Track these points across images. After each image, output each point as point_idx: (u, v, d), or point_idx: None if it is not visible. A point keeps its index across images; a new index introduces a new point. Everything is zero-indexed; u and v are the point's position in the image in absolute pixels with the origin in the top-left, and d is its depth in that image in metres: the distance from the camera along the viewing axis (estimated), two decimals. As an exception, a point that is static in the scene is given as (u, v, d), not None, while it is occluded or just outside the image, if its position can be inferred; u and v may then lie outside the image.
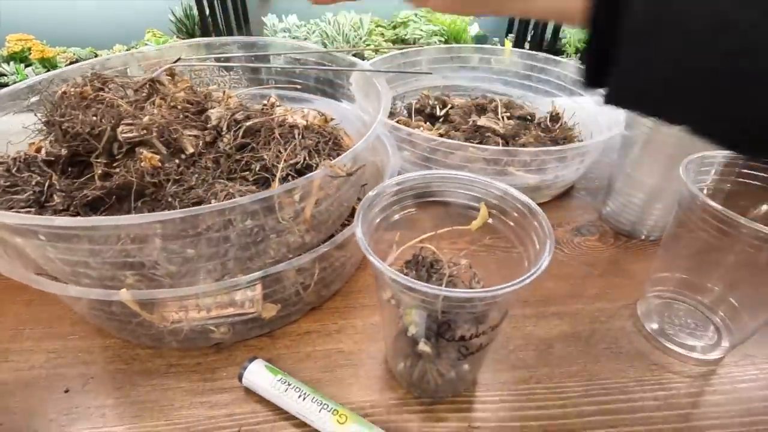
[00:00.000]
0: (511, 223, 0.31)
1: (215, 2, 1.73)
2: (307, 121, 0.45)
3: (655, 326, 0.41)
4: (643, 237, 0.53)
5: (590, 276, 0.47)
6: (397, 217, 0.33)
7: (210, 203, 0.35)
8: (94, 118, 0.38)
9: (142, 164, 0.38)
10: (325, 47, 1.85)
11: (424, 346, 0.29)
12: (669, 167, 0.47)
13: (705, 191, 0.39)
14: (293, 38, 1.90)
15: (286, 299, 0.38)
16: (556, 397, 0.35)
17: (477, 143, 0.62)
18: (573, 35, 2.03)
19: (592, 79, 0.21)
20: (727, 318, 0.40)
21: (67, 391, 0.35)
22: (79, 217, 0.32)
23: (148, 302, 0.33)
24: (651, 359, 0.39)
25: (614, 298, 0.44)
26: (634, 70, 0.18)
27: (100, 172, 0.38)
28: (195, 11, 1.80)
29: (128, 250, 0.30)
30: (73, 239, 0.29)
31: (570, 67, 0.72)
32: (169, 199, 0.37)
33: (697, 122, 0.19)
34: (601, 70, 0.20)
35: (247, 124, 0.41)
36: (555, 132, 0.65)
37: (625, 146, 0.51)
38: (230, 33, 1.84)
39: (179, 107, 0.44)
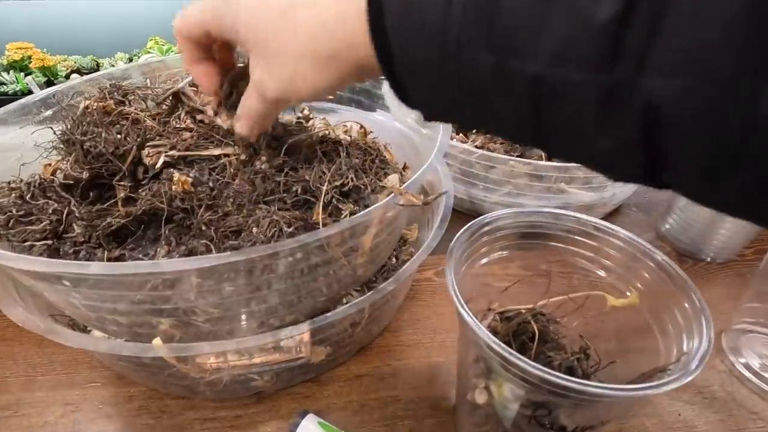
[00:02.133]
0: (641, 286, 0.26)
1: (220, 8, 1.69)
2: (350, 136, 0.40)
3: (746, 363, 0.37)
4: (708, 259, 0.49)
5: (662, 307, 0.42)
6: (485, 260, 0.28)
7: (251, 232, 0.30)
8: (119, 136, 0.33)
9: (173, 188, 0.33)
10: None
11: (505, 416, 0.24)
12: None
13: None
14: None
15: (337, 341, 0.34)
16: (655, 456, 0.30)
17: (518, 155, 0.58)
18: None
19: (404, 102, 0.22)
20: (832, 357, 0.35)
21: (87, 454, 0.30)
22: (116, 263, 0.27)
23: (186, 355, 0.28)
24: (749, 407, 0.34)
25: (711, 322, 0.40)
26: (417, 99, 0.21)
27: (123, 196, 0.34)
28: (200, 18, 1.76)
29: (162, 294, 0.25)
30: (102, 284, 0.25)
31: None
32: (203, 228, 0.32)
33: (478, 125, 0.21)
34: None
35: (289, 141, 0.36)
36: (600, 143, 0.61)
37: (691, 161, 0.47)
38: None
39: (207, 121, 0.40)
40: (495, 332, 0.26)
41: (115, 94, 0.39)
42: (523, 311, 0.26)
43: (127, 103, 0.40)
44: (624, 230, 0.27)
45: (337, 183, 0.35)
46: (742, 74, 0.13)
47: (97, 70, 1.95)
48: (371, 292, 0.30)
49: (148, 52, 2.02)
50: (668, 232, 0.51)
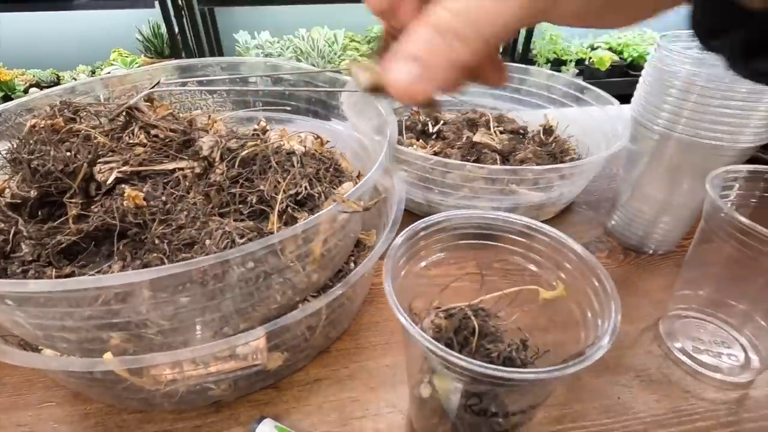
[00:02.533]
0: (562, 275, 0.28)
1: (185, 20, 1.68)
2: (305, 146, 0.42)
3: (680, 346, 0.39)
4: (651, 252, 0.52)
5: (607, 297, 0.45)
6: (423, 263, 0.29)
7: (204, 244, 0.31)
8: (68, 153, 0.33)
9: (125, 203, 0.34)
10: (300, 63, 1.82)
11: (450, 409, 0.26)
12: (676, 181, 0.46)
13: (729, 206, 0.38)
14: (266, 55, 1.87)
15: (294, 346, 0.35)
16: (595, 438, 0.33)
17: (474, 160, 0.61)
18: (543, 46, 2.07)
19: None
20: (754, 337, 0.38)
21: (41, 474, 0.30)
22: (57, 280, 0.28)
23: (140, 367, 0.28)
24: (682, 386, 0.37)
25: (634, 319, 0.42)
26: None
27: (75, 213, 0.34)
28: (163, 29, 1.74)
29: (112, 309, 0.25)
30: (46, 302, 0.25)
31: (544, 76, 0.72)
32: (156, 242, 0.33)
33: None
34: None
35: (243, 153, 0.37)
36: (551, 146, 0.64)
37: (630, 160, 0.50)
38: (201, 51, 1.78)
39: (162, 136, 0.40)
40: (438, 328, 0.28)
41: (66, 111, 0.40)
42: (464, 307, 0.28)
43: (78, 119, 0.40)
44: (549, 227, 0.29)
45: (292, 192, 0.37)
46: None
47: (58, 83, 1.89)
48: (323, 295, 0.31)
49: (111, 64, 1.97)
50: (614, 228, 0.54)
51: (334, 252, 0.35)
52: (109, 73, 1.83)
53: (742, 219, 0.32)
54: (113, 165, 0.37)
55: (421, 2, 0.18)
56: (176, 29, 1.67)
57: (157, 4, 1.59)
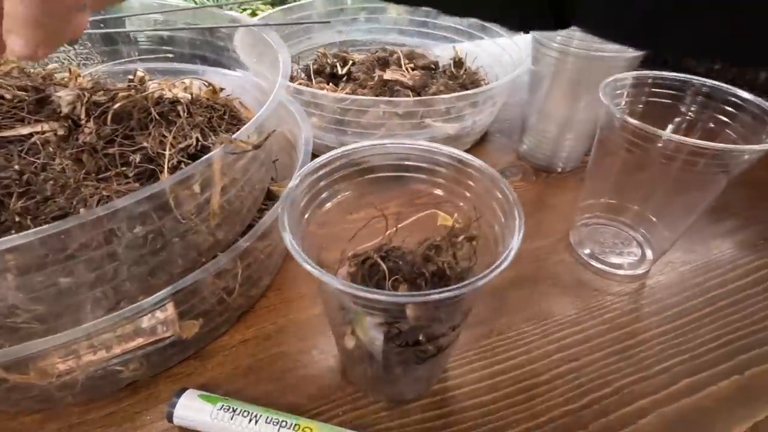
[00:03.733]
0: (467, 194, 0.28)
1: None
2: (191, 94, 0.37)
3: (587, 251, 0.42)
4: (560, 170, 0.55)
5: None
6: (328, 205, 0.28)
7: (78, 213, 0.27)
8: None
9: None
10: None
11: (374, 349, 0.26)
12: (576, 97, 0.48)
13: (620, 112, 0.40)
14: None
15: (209, 311, 0.32)
16: (519, 345, 0.35)
17: (387, 98, 0.59)
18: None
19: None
20: (648, 234, 0.42)
21: None
22: None
23: (16, 361, 0.24)
24: (591, 285, 0.40)
25: (548, 234, 0.45)
26: None
27: None
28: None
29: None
30: None
31: None
32: (17, 219, 0.28)
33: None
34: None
35: (115, 106, 0.32)
36: (462, 78, 0.63)
37: (533, 82, 0.51)
38: None
39: (8, 96, 0.33)
40: (353, 278, 0.27)
41: None
42: (372, 253, 0.27)
43: None
44: (445, 147, 0.28)
45: (182, 145, 0.32)
46: None
47: None
48: (228, 250, 0.29)
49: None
50: (526, 152, 0.56)
51: (238, 204, 0.32)
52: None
53: (631, 120, 0.34)
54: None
55: None
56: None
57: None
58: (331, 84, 0.63)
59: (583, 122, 0.50)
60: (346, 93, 0.60)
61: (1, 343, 0.24)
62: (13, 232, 0.27)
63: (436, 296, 0.20)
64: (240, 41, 0.49)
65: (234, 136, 0.26)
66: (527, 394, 0.31)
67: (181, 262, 0.29)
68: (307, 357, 0.33)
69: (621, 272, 0.41)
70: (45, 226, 0.21)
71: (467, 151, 0.57)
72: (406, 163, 0.29)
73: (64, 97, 0.33)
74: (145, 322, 0.29)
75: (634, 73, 0.38)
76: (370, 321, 0.24)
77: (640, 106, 0.39)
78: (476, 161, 0.27)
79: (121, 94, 0.34)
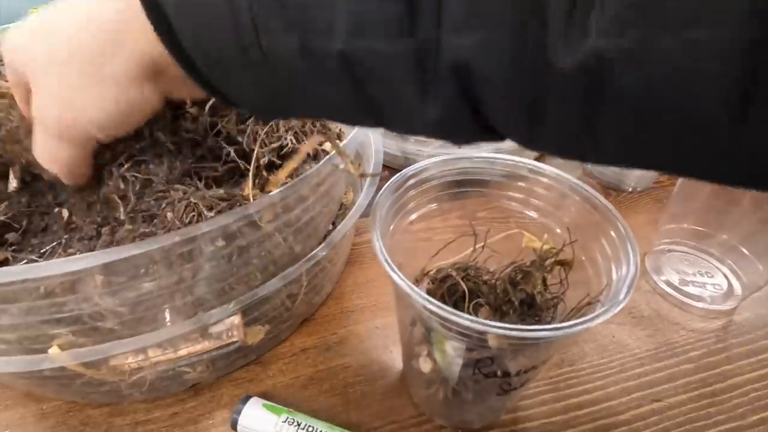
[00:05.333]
0: (569, 221, 0.26)
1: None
2: None
3: (667, 280, 0.39)
4: (630, 189, 0.51)
5: (592, 239, 0.44)
6: (413, 217, 0.26)
7: (165, 217, 0.27)
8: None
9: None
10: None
11: (451, 374, 0.24)
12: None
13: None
14: None
15: (275, 317, 0.32)
16: (595, 378, 0.32)
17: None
18: None
19: (225, 103, 0.21)
20: (737, 266, 0.38)
21: (-2, 486, 0.27)
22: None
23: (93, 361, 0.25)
24: (672, 319, 0.37)
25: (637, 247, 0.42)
26: (235, 97, 0.19)
27: (15, 185, 0.28)
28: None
29: (57, 301, 0.21)
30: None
31: None
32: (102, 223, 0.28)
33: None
34: None
35: None
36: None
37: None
38: None
39: None
40: (431, 296, 0.25)
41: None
42: (452, 272, 0.25)
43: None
44: (551, 168, 0.26)
45: (275, 145, 0.32)
46: (524, 26, 0.13)
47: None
48: (302, 261, 0.28)
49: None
50: (593, 168, 0.53)
51: (319, 220, 0.31)
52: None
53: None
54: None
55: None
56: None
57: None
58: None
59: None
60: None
61: (83, 342, 0.24)
62: (105, 231, 0.27)
63: (535, 334, 0.18)
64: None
65: (342, 144, 0.25)
66: (606, 433, 0.29)
67: (260, 276, 0.28)
68: (369, 372, 0.32)
69: (704, 306, 0.37)
70: (133, 244, 0.21)
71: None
72: (501, 180, 0.27)
73: None
74: (214, 327, 0.29)
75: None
76: (451, 345, 0.23)
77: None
78: (593, 192, 0.25)
79: None
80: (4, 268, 0.20)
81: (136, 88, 0.19)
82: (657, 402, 0.31)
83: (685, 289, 0.38)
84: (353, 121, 0.19)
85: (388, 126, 0.18)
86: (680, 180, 0.38)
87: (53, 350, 0.23)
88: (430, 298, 0.19)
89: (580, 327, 0.18)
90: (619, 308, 0.19)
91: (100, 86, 0.19)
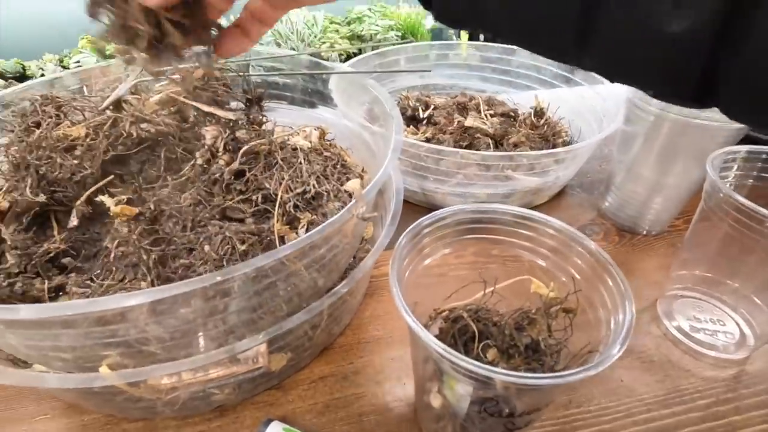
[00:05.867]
0: (572, 270, 0.28)
1: (156, 4, 1.59)
2: (310, 141, 0.40)
3: (678, 326, 0.40)
4: (644, 232, 0.52)
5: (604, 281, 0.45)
6: (428, 261, 0.29)
7: (203, 249, 0.30)
8: (75, 162, 0.32)
9: (116, 220, 0.32)
10: (279, 47, 1.77)
11: (459, 411, 0.26)
12: (669, 161, 0.46)
13: (728, 186, 0.38)
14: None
15: (297, 346, 0.34)
16: (602, 422, 0.33)
17: (466, 146, 0.60)
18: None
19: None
20: (749, 315, 0.39)
21: (42, 490, 0.29)
22: (49, 305, 0.26)
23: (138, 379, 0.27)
24: (682, 366, 0.37)
25: (634, 300, 0.43)
26: None
27: (76, 223, 0.32)
28: (134, 15, 1.65)
29: (109, 328, 0.24)
30: (42, 324, 0.23)
31: (531, 56, 0.71)
32: (150, 264, 0.31)
33: (499, 31, 0.18)
34: None
35: (248, 144, 0.35)
36: (543, 128, 0.63)
37: (624, 141, 0.50)
38: (176, 37, 1.70)
39: (154, 131, 0.38)
40: (443, 335, 0.27)
41: (48, 106, 0.37)
42: (463, 313, 0.27)
43: (62, 116, 0.38)
44: (557, 220, 0.28)
45: (299, 190, 0.35)
46: None
47: (24, 74, 1.78)
48: (326, 295, 0.31)
49: (81, 52, 1.87)
50: (608, 210, 0.55)
51: (341, 256, 0.34)
52: (78, 62, 1.74)
53: (739, 198, 0.32)
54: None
55: None
56: (148, 14, 1.59)
57: (126, -13, 1.51)
58: (411, 126, 0.66)
59: (674, 187, 0.48)
60: (427, 137, 0.62)
61: (128, 363, 0.27)
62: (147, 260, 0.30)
63: (536, 381, 0.20)
64: (335, 84, 0.53)
65: (365, 191, 0.28)
66: (610, 478, 0.30)
67: (285, 308, 0.31)
68: (382, 402, 0.34)
69: (715, 354, 0.38)
70: (180, 283, 0.24)
71: (546, 204, 0.57)
72: (510, 229, 0.29)
73: (209, 130, 0.37)
74: (242, 353, 0.31)
75: (749, 147, 0.36)
76: (460, 384, 0.25)
77: (750, 180, 0.37)
78: (592, 245, 0.27)
79: (254, 139, 0.37)
80: (68, 303, 0.23)
81: None
82: (663, 449, 0.31)
83: (696, 336, 0.39)
84: (550, 43, 0.17)
85: (592, 50, 0.16)
86: (692, 226, 0.39)
87: (103, 369, 0.26)
88: (440, 343, 0.21)
89: (575, 377, 0.19)
90: (611, 361, 0.20)
91: None
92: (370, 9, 1.98)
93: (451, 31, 2.05)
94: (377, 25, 1.92)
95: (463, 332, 0.27)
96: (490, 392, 0.24)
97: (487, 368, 0.20)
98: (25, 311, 0.20)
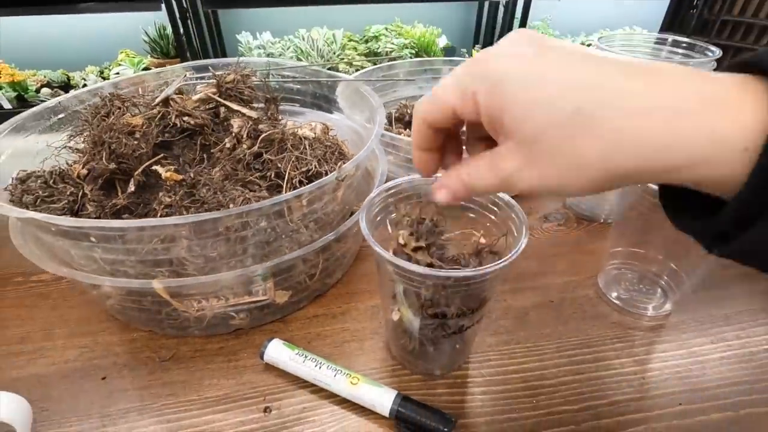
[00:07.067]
0: (493, 217, 0.37)
1: (189, 22, 1.76)
2: (315, 133, 0.50)
3: (614, 294, 0.48)
4: (602, 220, 0.61)
5: (557, 256, 0.54)
6: (393, 215, 0.38)
7: (228, 207, 0.40)
8: (135, 142, 0.43)
9: (165, 182, 0.42)
10: (300, 62, 1.90)
11: (411, 323, 0.35)
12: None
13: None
14: (268, 55, 1.95)
15: (296, 287, 0.44)
16: (533, 354, 0.41)
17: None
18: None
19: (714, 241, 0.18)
20: (671, 280, 0.47)
21: (104, 378, 0.39)
22: (129, 220, 0.37)
23: (177, 293, 0.37)
24: (610, 319, 0.46)
25: (579, 272, 0.51)
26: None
27: (133, 188, 0.43)
28: (169, 30, 1.83)
29: (159, 249, 0.34)
30: (115, 240, 0.34)
31: None
32: (188, 206, 0.42)
33: None
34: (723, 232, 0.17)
35: (265, 133, 0.46)
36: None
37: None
38: (205, 51, 1.87)
39: (192, 123, 0.49)
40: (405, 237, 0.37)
41: (115, 101, 0.49)
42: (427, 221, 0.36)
43: (124, 108, 0.49)
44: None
45: (303, 169, 0.45)
46: None
47: (68, 83, 1.96)
48: (316, 241, 0.40)
49: (119, 65, 2.05)
50: (572, 202, 0.63)
51: (332, 216, 0.44)
52: (117, 73, 1.92)
53: (655, 187, 0.41)
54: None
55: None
56: (181, 30, 1.76)
57: (163, 6, 1.68)
58: (407, 129, 0.76)
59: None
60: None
61: (173, 283, 0.37)
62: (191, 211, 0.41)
63: (449, 274, 0.29)
64: (341, 92, 0.63)
65: (346, 165, 0.38)
66: (533, 392, 0.38)
67: (286, 252, 0.41)
68: (362, 335, 0.43)
69: (646, 313, 0.46)
70: (209, 213, 0.34)
71: (518, 196, 0.66)
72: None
73: (236, 121, 0.48)
74: (254, 286, 0.41)
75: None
76: (409, 296, 0.34)
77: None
78: (504, 196, 0.36)
79: (269, 128, 0.48)
80: (140, 220, 0.34)
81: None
82: (579, 375, 0.40)
83: (628, 299, 0.47)
84: None
85: None
86: (619, 211, 0.48)
87: (155, 282, 0.36)
88: (388, 253, 0.30)
89: (483, 270, 0.28)
90: (501, 265, 0.29)
91: (605, 183, 0.18)
92: (386, 28, 2.11)
93: (464, 49, 2.17)
94: (393, 44, 2.05)
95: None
96: (429, 302, 0.33)
97: (416, 267, 0.29)
98: (115, 223, 0.30)
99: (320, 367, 0.38)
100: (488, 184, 0.22)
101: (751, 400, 0.38)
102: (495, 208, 0.36)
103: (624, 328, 0.44)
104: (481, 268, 0.29)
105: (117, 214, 0.43)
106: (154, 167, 0.44)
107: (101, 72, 2.00)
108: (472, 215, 0.37)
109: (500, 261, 0.29)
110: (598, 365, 0.40)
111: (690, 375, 0.40)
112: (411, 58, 1.93)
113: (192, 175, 0.44)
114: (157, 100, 0.50)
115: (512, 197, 0.35)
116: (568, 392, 0.38)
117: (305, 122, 0.54)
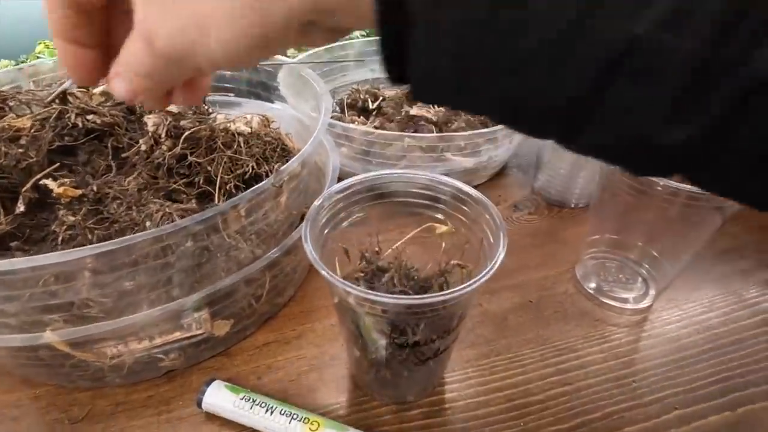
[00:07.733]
0: (463, 218, 0.31)
1: (115, 6, 1.58)
2: (251, 128, 0.43)
3: (593, 285, 0.44)
4: (572, 205, 0.57)
5: (531, 247, 0.50)
6: (345, 224, 0.32)
7: (144, 227, 0.32)
8: (20, 151, 0.34)
9: (59, 199, 0.34)
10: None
11: (378, 352, 0.29)
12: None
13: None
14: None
15: (239, 313, 0.37)
16: (516, 366, 0.37)
17: (412, 132, 0.64)
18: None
19: (396, 75, 0.17)
20: (651, 269, 0.44)
21: (-5, 455, 0.31)
22: (16, 251, 0.28)
23: (81, 341, 0.30)
24: (593, 316, 0.42)
25: (555, 265, 0.47)
26: (425, 57, 0.15)
27: (23, 208, 0.34)
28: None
29: (52, 290, 0.26)
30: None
31: None
32: (88, 234, 0.33)
33: (488, 110, 0.17)
34: (401, 62, 0.16)
35: (189, 131, 0.38)
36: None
37: (548, 122, 0.55)
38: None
39: (100, 122, 0.40)
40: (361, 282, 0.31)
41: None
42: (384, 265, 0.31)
43: (7, 109, 0.40)
44: (447, 178, 0.32)
45: (239, 172, 0.38)
46: None
47: (-23, 80, 1.73)
48: (258, 260, 0.34)
49: (38, 57, 1.84)
50: (541, 187, 0.59)
51: (276, 226, 0.37)
52: (33, 65, 1.71)
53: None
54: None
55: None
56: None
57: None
58: (361, 117, 0.69)
59: (595, 161, 0.53)
60: (375, 126, 0.66)
61: (74, 329, 0.29)
62: (92, 239, 0.32)
63: (418, 301, 0.23)
64: (283, 79, 0.56)
65: (284, 167, 0.31)
66: (519, 411, 0.34)
67: (223, 275, 0.34)
68: (321, 362, 0.37)
69: (624, 306, 0.42)
70: (116, 240, 0.26)
71: (484, 183, 0.61)
72: (413, 191, 0.33)
73: (151, 118, 0.39)
74: (185, 319, 0.34)
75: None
76: (374, 324, 0.28)
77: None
78: (473, 191, 0.30)
79: (193, 124, 0.40)
80: (11, 260, 0.26)
81: (284, 37, 0.16)
82: (568, 385, 0.36)
83: (609, 291, 0.43)
84: (534, 127, 0.16)
85: (582, 139, 0.16)
86: (596, 196, 0.44)
87: (48, 332, 0.28)
88: (346, 282, 0.24)
89: (452, 295, 0.23)
90: (477, 284, 0.24)
91: (246, 27, 0.16)
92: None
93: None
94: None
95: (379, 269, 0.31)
96: (394, 323, 0.27)
97: (381, 295, 0.23)
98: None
99: (272, 414, 0.31)
100: (138, 57, 0.18)
101: (744, 396, 0.35)
102: (467, 209, 0.30)
103: (608, 325, 0.41)
104: (447, 291, 0.24)
105: (0, 245, 0.34)
106: (44, 181, 0.35)
107: (17, 65, 1.78)
108: (439, 216, 0.32)
109: (473, 281, 0.24)
110: (586, 372, 0.37)
111: (681, 374, 0.37)
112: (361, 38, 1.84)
113: (95, 188, 0.35)
114: (51, 97, 0.41)
115: (475, 187, 0.30)
116: (558, 408, 0.34)
117: (239, 115, 0.46)
